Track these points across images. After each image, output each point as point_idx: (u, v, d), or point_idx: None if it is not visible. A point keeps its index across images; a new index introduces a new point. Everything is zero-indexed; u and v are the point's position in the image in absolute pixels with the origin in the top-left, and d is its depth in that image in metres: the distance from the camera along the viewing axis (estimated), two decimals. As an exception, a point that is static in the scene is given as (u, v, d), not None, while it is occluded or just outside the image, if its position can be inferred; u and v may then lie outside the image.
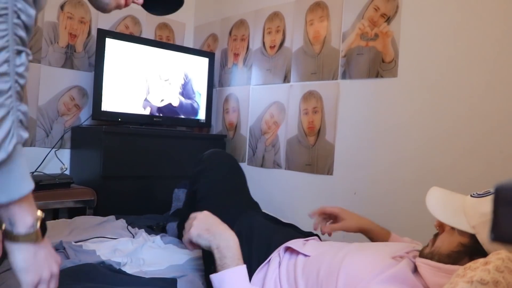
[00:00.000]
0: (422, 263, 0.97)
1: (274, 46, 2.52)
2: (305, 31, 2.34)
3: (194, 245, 1.08)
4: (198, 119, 2.77)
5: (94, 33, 2.58)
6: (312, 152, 2.26)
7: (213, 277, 1.00)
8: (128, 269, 1.36)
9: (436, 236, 1.03)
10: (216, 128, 2.92)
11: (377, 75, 1.99)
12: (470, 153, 1.67)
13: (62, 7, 2.49)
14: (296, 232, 1.41)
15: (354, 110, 2.08)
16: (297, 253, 1.17)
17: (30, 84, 2.38)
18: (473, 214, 0.92)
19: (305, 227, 2.16)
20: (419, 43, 1.85)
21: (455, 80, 1.73)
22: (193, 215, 1.09)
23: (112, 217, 2.00)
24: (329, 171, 2.17)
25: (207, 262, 1.39)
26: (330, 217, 1.46)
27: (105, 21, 2.66)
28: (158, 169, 2.41)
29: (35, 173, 2.35)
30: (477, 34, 1.67)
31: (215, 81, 2.92)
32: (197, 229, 1.05)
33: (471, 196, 0.98)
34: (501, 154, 1.59)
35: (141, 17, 2.86)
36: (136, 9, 2.81)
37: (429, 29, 1.82)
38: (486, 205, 0.89)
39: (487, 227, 0.74)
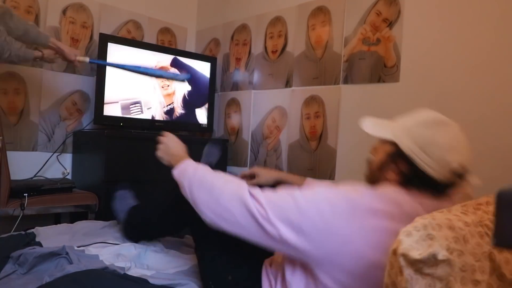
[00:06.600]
0: None
1: (276, 50, 2.52)
2: (307, 36, 2.34)
3: None
4: (200, 124, 2.78)
5: (96, 37, 2.59)
6: (314, 157, 2.26)
7: (174, 173, 1.29)
8: (132, 274, 1.36)
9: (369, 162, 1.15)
10: (218, 132, 2.92)
11: (379, 80, 1.99)
12: (473, 158, 1.67)
13: (64, 11, 2.50)
14: None
15: (356, 115, 2.08)
16: None
17: (32, 89, 2.39)
18: (396, 127, 1.07)
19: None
20: (421, 48, 1.85)
21: (457, 85, 1.73)
22: (161, 138, 1.39)
23: (114, 221, 2.00)
24: (331, 176, 2.17)
25: (203, 271, 1.38)
26: (251, 178, 1.60)
27: (107, 26, 2.67)
28: (159, 174, 2.39)
29: (36, 178, 2.35)
30: (479, 39, 1.68)
31: (217, 85, 2.92)
32: (161, 152, 1.39)
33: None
34: (504, 159, 1.58)
35: (143, 21, 2.86)
36: (138, 14, 2.83)
37: (431, 34, 1.82)
38: (409, 120, 1.05)
39: (406, 135, 1.01)
